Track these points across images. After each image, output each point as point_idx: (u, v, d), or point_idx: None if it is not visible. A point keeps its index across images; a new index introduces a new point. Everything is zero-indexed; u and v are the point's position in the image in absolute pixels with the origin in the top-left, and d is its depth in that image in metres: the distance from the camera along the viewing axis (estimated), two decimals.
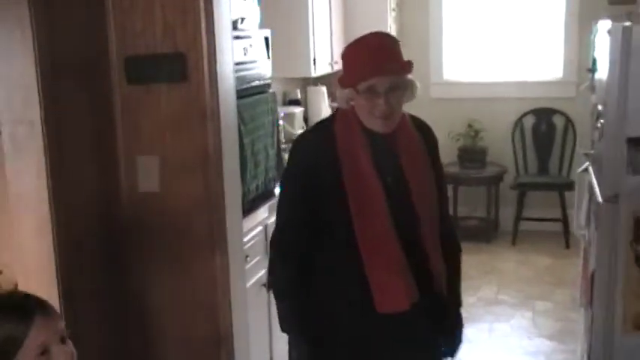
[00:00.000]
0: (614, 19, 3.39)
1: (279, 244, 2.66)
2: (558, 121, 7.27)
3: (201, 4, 2.90)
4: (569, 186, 6.78)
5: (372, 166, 2.51)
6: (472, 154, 7.27)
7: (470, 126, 7.25)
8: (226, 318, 3.16)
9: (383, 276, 2.50)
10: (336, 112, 2.67)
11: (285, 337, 2.75)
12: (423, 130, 2.69)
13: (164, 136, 3.02)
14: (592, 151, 3.68)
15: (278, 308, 2.71)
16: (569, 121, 7.17)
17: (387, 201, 2.51)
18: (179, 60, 2.93)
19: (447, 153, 7.13)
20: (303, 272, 2.61)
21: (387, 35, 2.67)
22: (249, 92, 3.79)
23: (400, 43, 2.57)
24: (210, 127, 2.99)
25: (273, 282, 2.75)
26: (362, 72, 2.45)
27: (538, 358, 4.84)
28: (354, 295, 2.55)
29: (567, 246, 6.89)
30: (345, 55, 2.57)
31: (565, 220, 6.92)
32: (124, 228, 3.13)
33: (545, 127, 7.32)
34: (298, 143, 2.69)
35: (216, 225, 3.08)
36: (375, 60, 2.46)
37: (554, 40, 7.32)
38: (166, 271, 3.12)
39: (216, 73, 2.97)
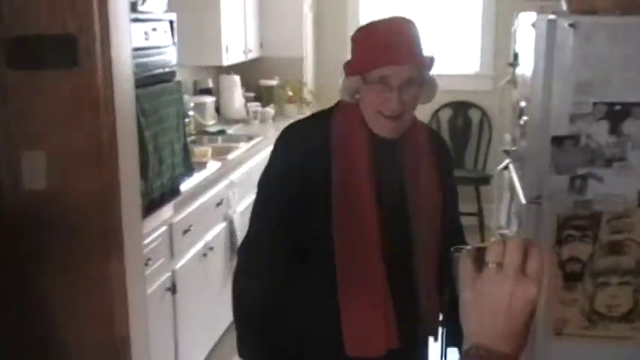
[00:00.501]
0: (540, 10, 3.24)
1: (250, 257, 2.25)
2: (474, 115, 7.17)
3: None
4: (485, 180, 6.77)
5: (370, 178, 2.11)
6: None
7: None
8: (123, 325, 2.88)
9: (359, 313, 2.09)
10: (337, 105, 2.25)
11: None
12: (438, 145, 2.31)
13: (52, 129, 2.69)
14: (513, 148, 3.51)
15: (239, 331, 2.33)
16: (485, 115, 7.08)
17: (379, 223, 2.10)
18: (68, 43, 2.59)
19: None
20: (275, 294, 2.20)
21: (409, 21, 2.16)
22: (150, 81, 3.47)
23: (419, 33, 2.16)
24: (104, 119, 2.67)
25: (237, 302, 2.33)
26: (374, 58, 2.05)
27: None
28: (324, 332, 2.14)
29: (482, 240, 6.77)
30: (357, 37, 2.16)
31: (480, 215, 6.83)
32: (8, 230, 2.81)
33: (461, 120, 7.22)
34: (286, 134, 2.23)
35: (112, 226, 2.78)
36: (392, 46, 2.05)
37: (472, 33, 7.22)
38: (57, 275, 2.81)
39: (110, 58, 2.66)
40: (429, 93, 2.17)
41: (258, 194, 2.27)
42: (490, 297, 1.07)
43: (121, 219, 2.82)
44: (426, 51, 2.12)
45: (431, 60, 2.13)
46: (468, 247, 1.12)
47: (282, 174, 2.18)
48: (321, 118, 2.27)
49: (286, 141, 2.22)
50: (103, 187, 2.74)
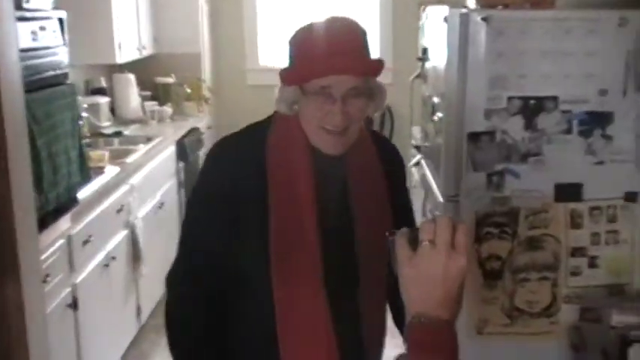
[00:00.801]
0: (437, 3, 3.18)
1: (180, 290, 2.03)
2: None
3: None
4: None
5: (311, 198, 1.89)
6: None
7: None
8: (21, 349, 2.67)
9: (299, 349, 1.90)
10: (272, 117, 2.01)
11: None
12: (387, 154, 2.08)
13: None
14: (426, 144, 3.43)
15: None
16: (387, 108, 6.97)
17: (321, 248, 1.89)
18: None
19: None
20: (211, 323, 1.99)
21: (353, 22, 1.90)
22: (41, 85, 3.23)
23: (366, 34, 1.91)
24: None
25: (171, 335, 2.06)
26: (314, 67, 1.79)
27: None
28: None
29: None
30: (294, 41, 1.89)
31: None
32: None
33: None
34: (215, 151, 2.01)
35: (5, 245, 2.56)
36: (334, 52, 1.78)
37: (370, 27, 7.12)
38: None
39: None
40: (378, 102, 1.93)
41: (186, 218, 2.04)
42: (427, 271, 1.21)
43: (15, 236, 2.59)
44: (373, 55, 1.90)
45: (379, 65, 1.89)
46: (403, 229, 1.27)
47: (212, 196, 1.94)
48: (255, 131, 2.01)
49: (216, 158, 1.99)
50: None
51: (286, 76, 1.87)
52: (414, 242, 1.24)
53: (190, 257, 2.02)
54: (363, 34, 1.88)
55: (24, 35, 3.09)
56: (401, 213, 2.08)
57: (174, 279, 2.06)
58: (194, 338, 2.01)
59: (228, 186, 1.91)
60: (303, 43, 1.87)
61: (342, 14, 1.94)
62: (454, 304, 1.23)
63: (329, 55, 1.79)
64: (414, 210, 2.29)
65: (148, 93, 6.41)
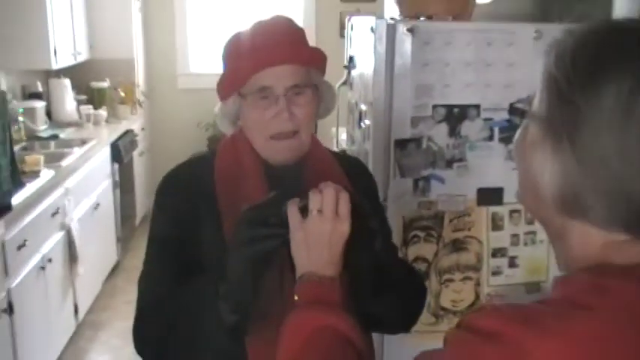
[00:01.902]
0: (356, 12, 3.03)
1: (145, 325, 1.57)
2: None
3: None
4: None
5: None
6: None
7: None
8: None
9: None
10: (217, 145, 1.71)
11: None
12: (352, 170, 1.72)
13: None
14: (353, 148, 3.28)
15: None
16: None
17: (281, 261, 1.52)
18: None
19: (198, 142, 6.71)
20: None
21: (286, 18, 1.62)
22: None
23: (304, 31, 1.63)
24: None
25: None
26: (247, 65, 1.52)
27: None
28: None
29: None
30: (225, 48, 1.61)
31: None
32: None
33: None
34: (163, 185, 1.67)
35: None
36: (264, 46, 1.52)
37: None
38: None
39: None
40: (327, 102, 1.66)
41: (146, 255, 1.67)
42: (315, 235, 1.27)
43: None
44: (312, 47, 1.61)
45: (320, 54, 1.61)
46: (294, 199, 1.30)
47: (166, 231, 1.62)
48: (200, 158, 1.75)
49: (164, 193, 1.66)
50: None
51: (222, 87, 1.60)
52: (304, 210, 1.28)
53: (150, 300, 1.61)
54: (300, 28, 1.62)
55: None
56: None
57: (140, 319, 1.62)
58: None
59: (179, 219, 1.60)
60: (235, 44, 1.60)
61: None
62: (337, 264, 1.29)
63: (264, 48, 1.52)
64: (390, 229, 1.87)
65: (84, 97, 6.15)
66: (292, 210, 1.29)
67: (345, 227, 1.28)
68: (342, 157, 1.83)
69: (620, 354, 0.88)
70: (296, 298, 1.28)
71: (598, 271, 0.95)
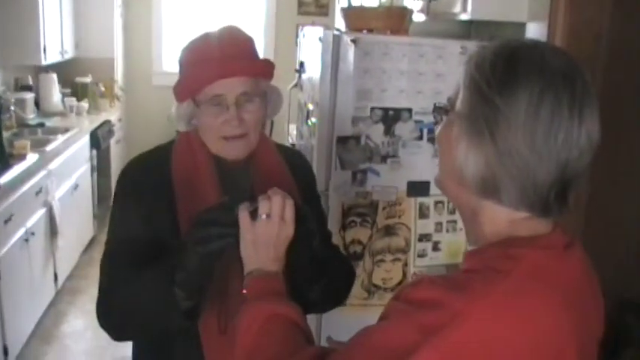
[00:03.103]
0: (312, 24, 3.00)
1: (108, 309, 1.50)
2: None
3: None
4: None
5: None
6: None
7: None
8: None
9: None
10: (176, 137, 1.63)
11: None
12: (293, 160, 1.69)
13: None
14: (301, 142, 3.24)
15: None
16: None
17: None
18: None
19: (167, 133, 6.54)
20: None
21: (238, 29, 1.55)
22: None
23: (253, 41, 1.55)
24: None
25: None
26: (201, 76, 1.47)
27: None
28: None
29: None
30: (181, 58, 1.53)
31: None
32: None
33: None
34: (124, 172, 1.60)
35: None
36: (217, 58, 1.45)
37: (255, 41, 6.87)
38: None
39: None
40: (274, 105, 1.60)
41: (107, 235, 1.58)
42: (263, 237, 1.26)
43: None
44: (261, 57, 1.55)
45: (268, 66, 1.54)
46: (244, 204, 1.28)
47: (124, 216, 1.56)
48: (160, 149, 1.63)
49: (124, 180, 1.60)
50: None
51: (179, 91, 1.52)
52: (254, 214, 1.27)
53: (112, 282, 1.53)
54: (250, 39, 1.54)
55: None
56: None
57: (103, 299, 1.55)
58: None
59: (137, 205, 1.52)
60: (190, 53, 1.52)
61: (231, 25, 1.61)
62: (281, 260, 1.29)
63: (216, 61, 1.45)
64: (325, 215, 1.90)
65: (68, 90, 6.00)
66: (243, 214, 1.27)
67: (289, 230, 1.28)
68: (286, 149, 1.77)
69: (536, 305, 0.94)
70: (244, 292, 1.27)
71: (508, 242, 1.00)
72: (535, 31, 2.74)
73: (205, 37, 1.51)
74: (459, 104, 1.02)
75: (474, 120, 0.97)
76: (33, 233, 3.84)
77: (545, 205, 0.98)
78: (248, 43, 1.52)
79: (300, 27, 3.46)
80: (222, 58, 1.45)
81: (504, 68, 0.96)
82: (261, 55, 1.54)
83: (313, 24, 3.75)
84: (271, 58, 6.70)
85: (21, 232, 3.67)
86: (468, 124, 0.98)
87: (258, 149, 1.58)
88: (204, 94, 1.47)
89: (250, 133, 1.51)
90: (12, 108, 4.82)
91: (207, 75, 1.46)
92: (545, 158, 0.94)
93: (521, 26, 2.84)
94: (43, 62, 5.10)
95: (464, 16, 2.85)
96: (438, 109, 2.61)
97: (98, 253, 5.23)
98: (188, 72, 1.51)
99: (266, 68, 1.53)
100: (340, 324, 2.70)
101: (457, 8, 2.89)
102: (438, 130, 1.08)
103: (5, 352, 3.42)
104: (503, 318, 0.91)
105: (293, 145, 3.55)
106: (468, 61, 1.03)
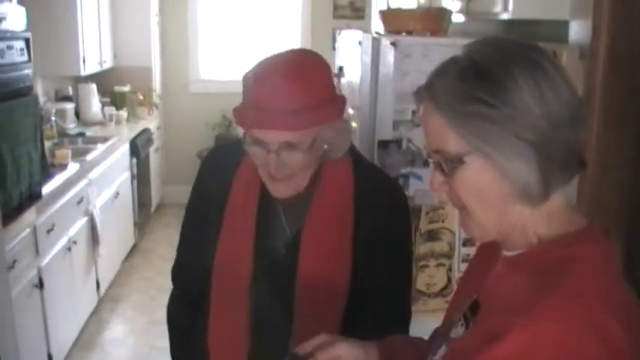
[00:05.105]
0: (347, 27, 2.99)
1: (173, 283, 1.72)
2: None
3: None
4: None
5: (252, 228, 1.49)
6: (227, 140, 6.70)
7: (224, 117, 6.68)
8: None
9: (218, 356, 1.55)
10: None
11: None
12: (366, 189, 1.50)
13: None
14: None
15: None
16: None
17: (256, 280, 1.49)
18: None
19: (206, 140, 6.64)
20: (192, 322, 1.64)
21: (304, 59, 1.40)
22: (5, 96, 2.87)
23: (324, 67, 1.41)
24: None
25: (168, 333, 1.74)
26: (243, 118, 1.36)
27: None
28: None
29: None
30: (243, 79, 1.40)
31: None
32: None
33: None
34: (205, 158, 1.68)
35: None
36: (262, 107, 1.31)
37: (291, 45, 6.91)
38: None
39: None
40: (340, 140, 1.43)
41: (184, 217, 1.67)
42: None
43: None
44: (324, 98, 1.35)
45: (312, 119, 1.33)
46: (293, 352, 1.24)
47: (193, 199, 1.63)
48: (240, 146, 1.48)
49: (202, 165, 1.65)
50: None
51: (235, 115, 1.41)
52: None
53: (178, 256, 1.71)
54: (313, 72, 1.36)
55: None
56: (365, 249, 1.48)
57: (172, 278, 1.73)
58: (178, 337, 1.71)
59: (205, 191, 1.58)
60: (246, 85, 1.37)
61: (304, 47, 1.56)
62: None
63: (257, 110, 1.32)
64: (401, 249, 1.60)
65: (107, 99, 6.08)
66: None
67: None
68: (366, 177, 1.53)
69: (608, 287, 0.95)
70: None
71: (562, 242, 1.00)
72: (579, 29, 2.69)
73: (262, 69, 1.36)
74: (458, 147, 0.98)
75: (496, 141, 0.96)
76: (75, 242, 3.90)
77: (582, 165, 1.01)
78: (299, 88, 1.32)
79: (338, 31, 3.45)
80: (263, 109, 1.31)
81: (484, 78, 0.96)
82: None
83: (349, 27, 3.74)
84: None
85: (63, 241, 3.72)
86: (491, 148, 0.96)
87: (324, 181, 1.47)
88: (249, 134, 1.38)
89: (297, 175, 1.41)
90: (53, 118, 4.90)
91: (246, 121, 1.36)
92: (565, 122, 0.96)
93: (564, 24, 2.79)
94: (83, 73, 5.18)
95: (505, 16, 2.81)
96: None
97: (139, 260, 5.33)
98: (242, 103, 1.39)
99: (307, 123, 1.33)
100: None
101: (498, 8, 2.85)
102: (449, 189, 1.02)
103: (50, 359, 3.47)
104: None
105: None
106: (436, 107, 1.02)
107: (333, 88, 1.42)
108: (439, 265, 2.74)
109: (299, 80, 1.32)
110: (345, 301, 1.48)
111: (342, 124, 1.42)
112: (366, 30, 3.12)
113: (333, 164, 1.48)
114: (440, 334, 1.25)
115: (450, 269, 2.75)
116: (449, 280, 2.76)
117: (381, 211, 1.49)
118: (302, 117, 1.32)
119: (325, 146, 1.43)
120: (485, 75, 0.97)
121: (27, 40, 3.27)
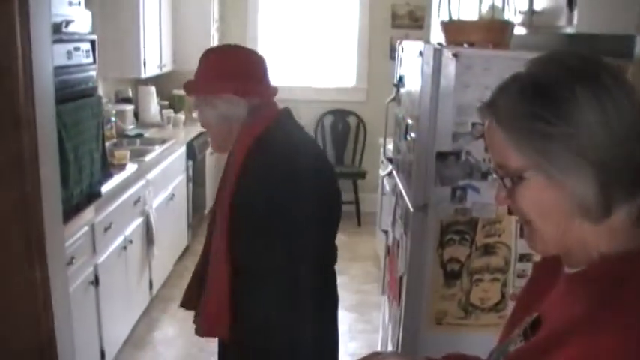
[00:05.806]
0: (405, 37, 2.97)
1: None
2: (352, 121, 6.95)
3: (16, 5, 2.11)
4: (362, 175, 6.67)
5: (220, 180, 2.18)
6: None
7: None
8: (48, 327, 2.43)
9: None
10: None
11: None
12: (249, 159, 2.03)
13: None
14: (398, 157, 3.22)
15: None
16: (360, 121, 6.89)
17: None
18: None
19: None
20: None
21: (224, 50, 2.26)
22: (72, 96, 2.96)
23: (231, 58, 2.16)
24: (25, 135, 2.20)
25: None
26: None
27: (343, 328, 4.40)
28: None
29: (359, 224, 6.58)
30: None
31: (357, 203, 6.61)
32: None
33: (341, 125, 6.98)
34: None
35: (34, 235, 2.32)
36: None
37: (349, 53, 6.95)
38: None
39: (32, 78, 2.19)
40: (220, 112, 2.05)
41: None
42: None
43: (43, 228, 2.36)
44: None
45: (197, 85, 2.06)
46: None
47: None
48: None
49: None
50: (25, 199, 2.27)
51: None
52: None
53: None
54: (216, 59, 2.08)
55: (60, 55, 2.85)
56: (236, 211, 2.02)
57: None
58: None
59: None
60: None
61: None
62: None
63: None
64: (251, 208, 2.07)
65: (166, 102, 6.20)
66: None
67: None
68: (255, 149, 2.01)
69: None
70: None
71: (626, 258, 1.00)
72: None
73: None
74: (518, 163, 1.00)
75: (555, 159, 0.96)
76: (131, 241, 3.98)
77: None
78: (207, 62, 2.09)
79: (398, 41, 3.45)
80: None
81: (545, 96, 0.96)
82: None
83: (407, 37, 3.74)
84: (364, 70, 6.78)
85: (120, 239, 3.81)
86: (550, 165, 0.97)
87: (236, 147, 2.03)
88: None
89: (209, 132, 2.14)
90: (113, 119, 5.02)
91: None
92: (629, 139, 0.96)
93: (630, 39, 2.73)
94: (143, 75, 5.29)
95: (569, 30, 2.77)
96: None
97: (191, 262, 5.35)
98: None
99: (195, 88, 2.11)
100: (437, 343, 2.67)
101: (562, 21, 2.81)
102: (512, 204, 1.04)
103: (102, 355, 3.55)
104: None
105: (390, 159, 3.53)
106: (498, 124, 1.02)
107: (233, 72, 2.03)
108: (494, 279, 2.71)
109: (204, 61, 2.07)
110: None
111: (235, 100, 2.01)
112: (425, 40, 3.11)
113: (241, 134, 2.02)
114: (497, 350, 1.25)
115: (504, 284, 2.72)
116: (502, 295, 2.73)
117: (254, 175, 1.98)
118: (191, 84, 2.08)
119: (221, 111, 2.03)
120: (546, 93, 0.97)
121: (92, 43, 3.37)
